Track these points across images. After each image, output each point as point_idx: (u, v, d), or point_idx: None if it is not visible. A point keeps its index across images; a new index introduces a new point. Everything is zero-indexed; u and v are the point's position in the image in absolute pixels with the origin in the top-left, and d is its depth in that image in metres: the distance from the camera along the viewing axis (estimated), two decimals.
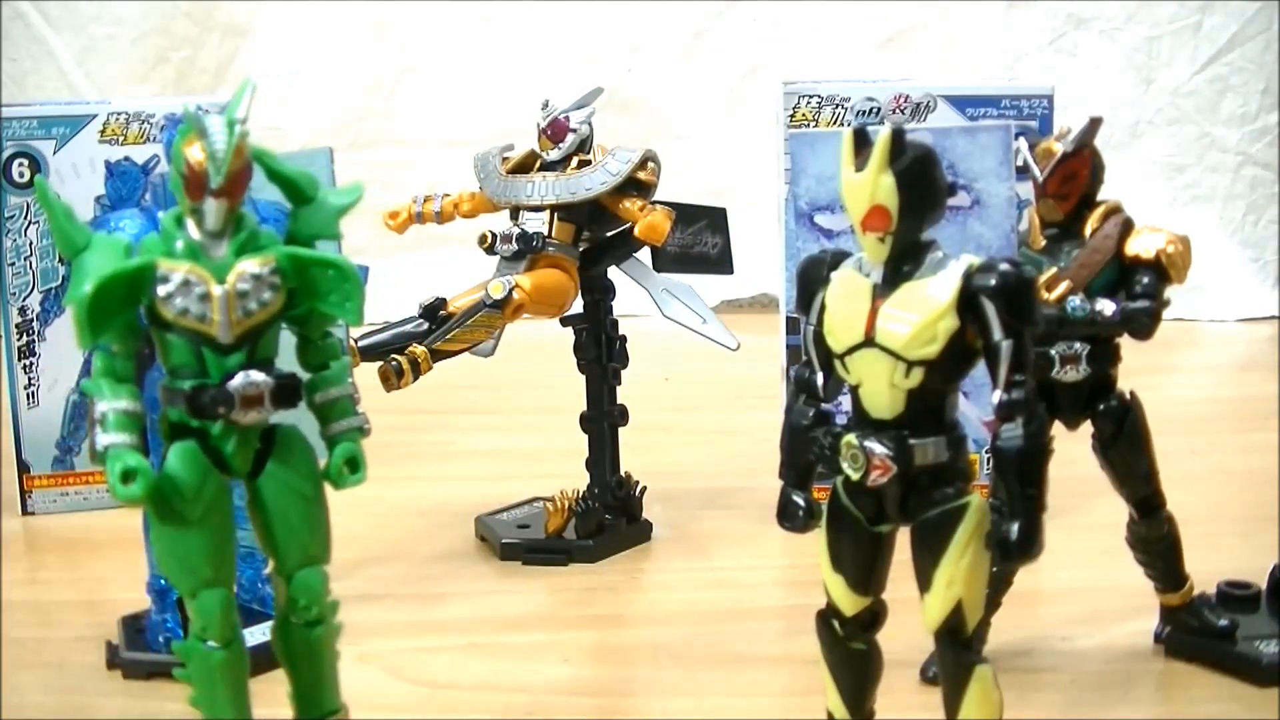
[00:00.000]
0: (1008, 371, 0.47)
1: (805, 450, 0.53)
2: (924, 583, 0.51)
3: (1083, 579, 0.93)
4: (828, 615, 0.55)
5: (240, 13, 2.14)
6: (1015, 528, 0.47)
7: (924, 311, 0.48)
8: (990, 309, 0.47)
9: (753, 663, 0.82)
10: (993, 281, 0.47)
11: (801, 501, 0.54)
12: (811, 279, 0.53)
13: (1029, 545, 0.48)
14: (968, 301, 0.47)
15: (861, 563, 0.53)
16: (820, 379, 0.53)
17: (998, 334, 0.47)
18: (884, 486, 0.50)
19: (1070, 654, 0.82)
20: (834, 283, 0.51)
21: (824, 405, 0.53)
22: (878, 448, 0.49)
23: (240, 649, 0.57)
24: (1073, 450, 0.77)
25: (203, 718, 0.57)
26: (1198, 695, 0.76)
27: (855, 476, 0.50)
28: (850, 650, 0.55)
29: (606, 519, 1.02)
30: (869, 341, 0.49)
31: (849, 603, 0.53)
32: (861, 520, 0.52)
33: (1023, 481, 0.48)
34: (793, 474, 0.54)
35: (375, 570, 0.98)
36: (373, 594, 0.93)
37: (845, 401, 0.53)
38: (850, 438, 0.50)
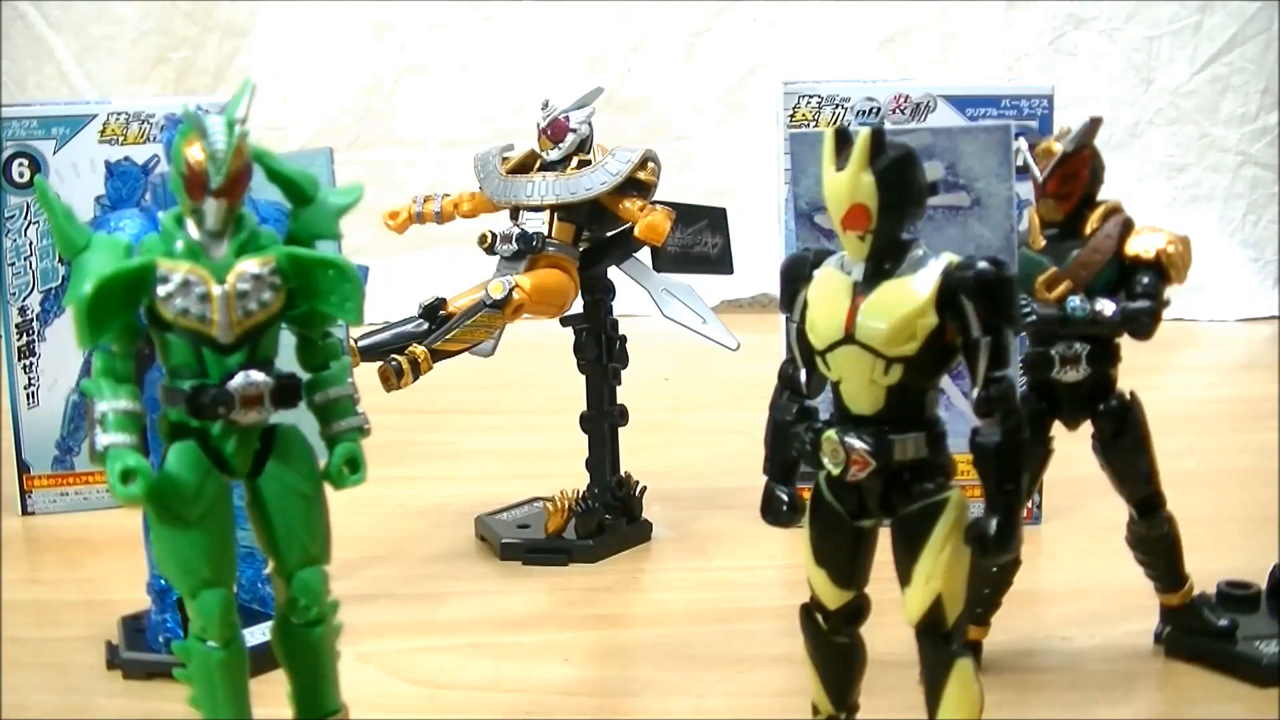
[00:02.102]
0: (986, 368, 0.48)
1: (788, 446, 0.53)
2: (904, 577, 0.51)
3: (1083, 579, 0.93)
4: (811, 609, 0.55)
5: (240, 13, 2.15)
6: (994, 523, 0.47)
7: (903, 309, 0.48)
8: (969, 306, 0.47)
9: (753, 663, 0.82)
10: (971, 279, 0.47)
11: (785, 496, 0.54)
12: (794, 277, 0.53)
13: (1007, 540, 0.48)
14: (946, 299, 0.48)
15: (844, 557, 0.53)
16: (803, 375, 0.53)
17: (976, 331, 0.47)
18: (864, 481, 0.50)
19: (1070, 654, 0.82)
20: (816, 280, 0.52)
21: (807, 401, 0.53)
22: (857, 443, 0.50)
23: (240, 649, 0.57)
24: (1073, 450, 0.77)
25: (203, 718, 0.57)
26: (1198, 695, 0.76)
27: (835, 471, 0.51)
28: (834, 644, 0.55)
29: (606, 519, 1.02)
30: (849, 338, 0.49)
31: (832, 597, 0.54)
32: (843, 515, 0.52)
33: (1001, 477, 0.48)
34: (776, 469, 0.55)
35: (375, 570, 0.98)
36: (373, 594, 0.93)
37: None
38: (831, 433, 0.51)
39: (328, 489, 0.58)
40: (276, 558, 0.58)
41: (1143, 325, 0.72)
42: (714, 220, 1.04)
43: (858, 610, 0.55)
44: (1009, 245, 0.73)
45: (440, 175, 1.54)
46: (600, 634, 0.89)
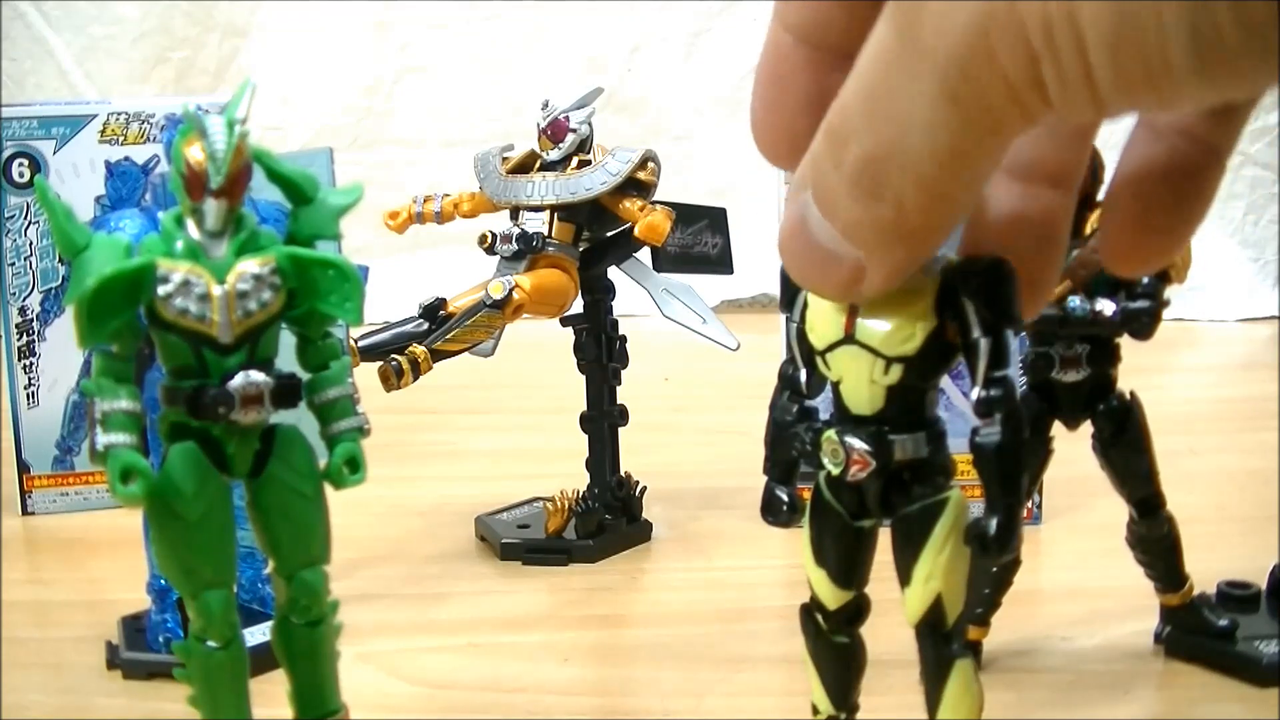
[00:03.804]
0: (986, 368, 0.47)
1: (788, 446, 0.53)
2: (904, 577, 0.51)
3: (1083, 579, 0.93)
4: (811, 609, 0.55)
5: (240, 13, 2.15)
6: (994, 523, 0.47)
7: (903, 309, 0.48)
8: (969, 306, 0.47)
9: (753, 663, 0.82)
10: (971, 279, 0.47)
11: (785, 496, 0.54)
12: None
13: (1007, 540, 0.48)
14: (947, 299, 0.47)
15: (843, 557, 0.53)
16: (803, 375, 0.53)
17: (976, 331, 0.47)
18: (864, 481, 0.50)
19: (1070, 654, 0.82)
20: None
21: (808, 402, 0.53)
22: (857, 443, 0.50)
23: (240, 649, 0.57)
24: (1073, 450, 0.77)
25: (203, 718, 0.57)
26: (1198, 695, 0.76)
27: (835, 471, 0.51)
28: (834, 644, 0.55)
29: (606, 519, 1.02)
30: (849, 338, 0.49)
31: (831, 596, 0.54)
32: (843, 515, 0.52)
33: (1001, 477, 0.48)
34: (777, 469, 0.55)
35: (375, 570, 0.98)
36: (373, 594, 0.93)
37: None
38: (831, 433, 0.51)
39: (328, 489, 0.58)
40: (277, 558, 0.58)
41: (1143, 325, 0.72)
42: (714, 220, 1.04)
43: (857, 610, 0.55)
44: None
45: (440, 175, 1.54)
46: (600, 634, 0.89)
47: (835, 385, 0.51)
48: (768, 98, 0.43)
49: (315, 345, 0.58)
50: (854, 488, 0.51)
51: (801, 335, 0.52)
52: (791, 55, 0.42)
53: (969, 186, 0.37)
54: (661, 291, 1.02)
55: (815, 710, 0.57)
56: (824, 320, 0.50)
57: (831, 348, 0.50)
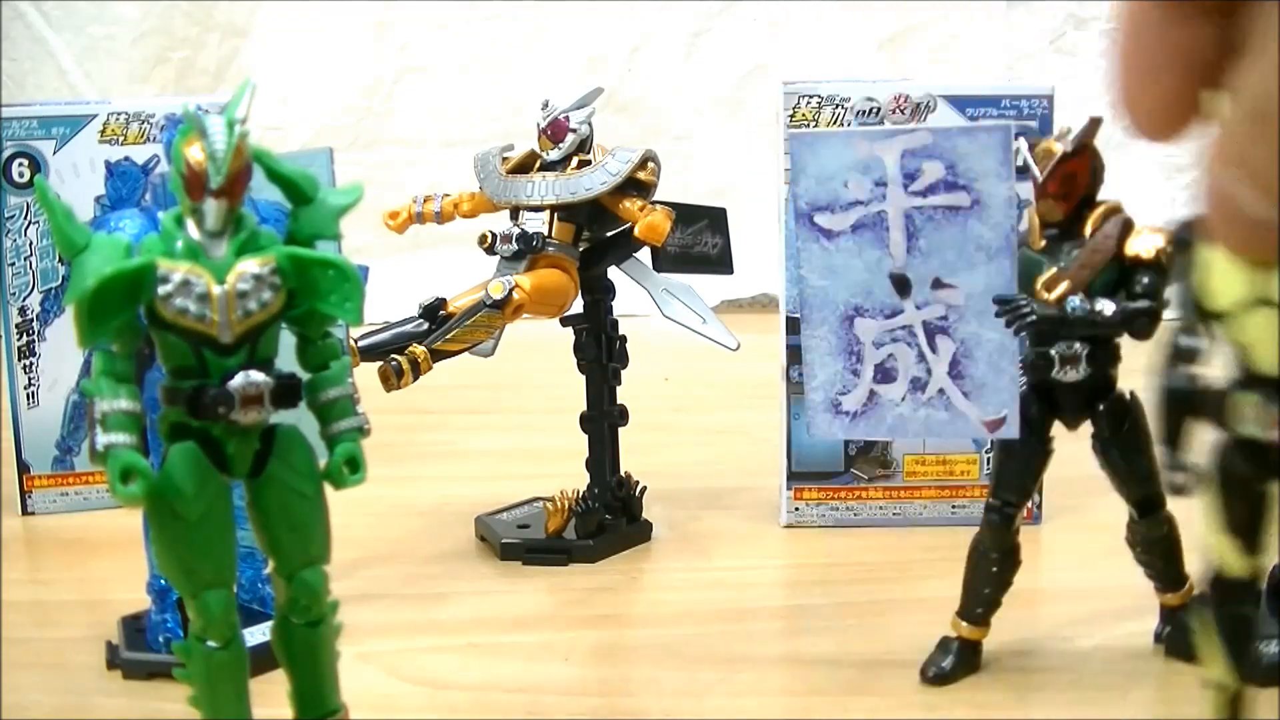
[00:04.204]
0: None
1: (1187, 414, 0.53)
2: None
3: (1083, 579, 0.93)
4: (1216, 580, 0.54)
5: (240, 13, 2.15)
6: None
7: None
8: None
9: (753, 663, 0.82)
10: None
11: (1187, 465, 0.54)
12: (1188, 240, 0.52)
13: None
14: None
15: (1251, 522, 0.53)
16: (1199, 342, 0.52)
17: None
18: None
19: (1070, 654, 0.82)
20: None
21: (1200, 368, 0.53)
22: None
23: (240, 649, 0.57)
24: (1073, 450, 0.77)
25: (203, 718, 0.57)
26: (1198, 695, 0.76)
27: (1261, 434, 0.50)
28: (1237, 615, 0.55)
29: (606, 519, 1.02)
30: (1262, 300, 0.49)
31: (1238, 565, 0.53)
32: (1255, 479, 0.52)
33: None
34: (1174, 440, 0.54)
35: (375, 570, 0.98)
36: (373, 594, 0.93)
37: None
38: (1249, 395, 0.50)
39: (328, 489, 0.58)
40: (277, 558, 0.58)
41: (1143, 325, 0.72)
42: (714, 220, 1.04)
43: (1260, 577, 0.54)
44: (1009, 245, 0.73)
45: (440, 175, 1.54)
46: (600, 634, 0.89)
47: (1243, 347, 0.51)
48: (1132, 65, 0.44)
49: (315, 345, 0.58)
50: (1263, 450, 0.50)
51: (1198, 298, 0.51)
52: (1148, 15, 0.43)
53: None
54: (661, 291, 1.02)
55: (1216, 687, 0.57)
56: (1230, 284, 0.50)
57: (1239, 310, 0.49)
